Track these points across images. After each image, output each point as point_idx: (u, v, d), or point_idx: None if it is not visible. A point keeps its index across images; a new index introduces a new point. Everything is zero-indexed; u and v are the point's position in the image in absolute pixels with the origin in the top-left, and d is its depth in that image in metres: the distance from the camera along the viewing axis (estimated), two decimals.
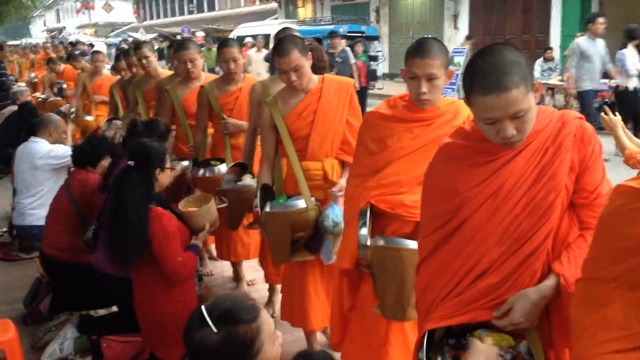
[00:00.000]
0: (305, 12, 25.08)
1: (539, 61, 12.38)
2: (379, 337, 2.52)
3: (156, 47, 22.88)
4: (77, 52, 10.78)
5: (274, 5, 27.75)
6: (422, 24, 19.83)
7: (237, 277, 4.43)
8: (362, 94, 12.01)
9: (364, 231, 2.34)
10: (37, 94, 9.52)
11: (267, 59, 14.29)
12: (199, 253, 3.20)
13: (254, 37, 16.10)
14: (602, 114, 3.19)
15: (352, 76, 10.91)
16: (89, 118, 6.49)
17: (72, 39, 29.91)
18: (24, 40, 35.91)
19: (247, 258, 4.24)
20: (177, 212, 3.26)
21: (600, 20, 7.96)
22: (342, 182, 2.89)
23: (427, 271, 1.87)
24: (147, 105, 4.83)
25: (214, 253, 4.71)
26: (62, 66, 9.05)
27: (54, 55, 11.66)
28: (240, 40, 14.39)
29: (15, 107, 7.41)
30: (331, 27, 16.51)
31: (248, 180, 3.49)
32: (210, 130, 4.12)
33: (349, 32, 15.29)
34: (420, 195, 2.21)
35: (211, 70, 14.95)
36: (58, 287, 3.83)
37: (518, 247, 1.68)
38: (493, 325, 1.70)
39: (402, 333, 2.51)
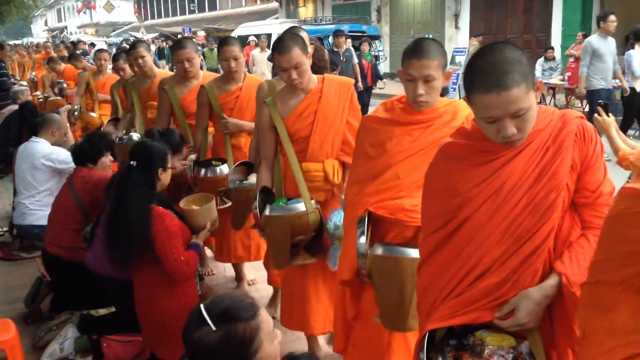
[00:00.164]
0: (306, 11, 25.08)
1: (540, 61, 12.37)
2: (382, 345, 2.49)
3: (155, 47, 22.92)
4: (78, 52, 10.78)
5: (275, 4, 27.76)
6: (423, 23, 19.82)
7: (238, 276, 4.41)
8: (368, 94, 11.98)
9: (362, 240, 2.29)
10: (38, 94, 9.52)
11: (270, 58, 14.23)
12: (199, 252, 3.20)
13: (257, 36, 16.00)
14: (595, 114, 3.19)
15: (354, 76, 10.85)
16: (94, 115, 6.49)
17: (73, 38, 29.94)
18: (25, 40, 35.95)
19: (248, 260, 4.19)
20: (178, 212, 3.27)
21: (612, 18, 7.82)
22: None
23: (428, 271, 1.86)
24: (143, 105, 4.77)
25: None
26: (63, 66, 9.04)
27: (54, 54, 11.66)
28: (242, 40, 14.36)
29: (15, 107, 7.41)
30: (332, 26, 16.53)
31: (253, 179, 3.43)
32: (211, 130, 4.08)
33: (350, 31, 15.29)
34: (420, 199, 2.21)
35: (214, 70, 14.90)
36: (59, 286, 3.82)
37: (519, 246, 1.67)
38: (494, 325, 1.69)
39: (405, 342, 2.48)
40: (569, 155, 1.67)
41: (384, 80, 15.99)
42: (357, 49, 12.28)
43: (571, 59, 12.22)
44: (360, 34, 15.43)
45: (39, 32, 56.98)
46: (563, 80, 11.98)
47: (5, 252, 5.13)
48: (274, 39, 15.53)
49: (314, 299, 3.10)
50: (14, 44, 21.60)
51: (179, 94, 4.16)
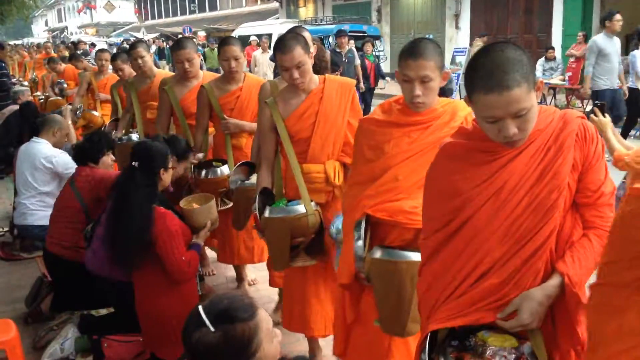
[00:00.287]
0: (306, 11, 25.08)
1: (541, 61, 12.37)
2: (382, 349, 2.47)
3: (155, 47, 22.91)
4: (79, 52, 10.79)
5: (276, 5, 27.75)
6: (423, 23, 19.81)
7: (239, 277, 4.41)
8: (370, 95, 11.93)
9: (360, 243, 2.26)
10: (38, 94, 9.51)
11: (272, 58, 14.13)
12: (200, 252, 3.21)
13: (259, 36, 15.91)
14: (592, 115, 3.19)
15: (356, 77, 10.77)
16: (96, 113, 6.48)
17: (73, 38, 29.95)
18: (25, 40, 35.96)
19: (251, 262, 4.15)
20: (178, 212, 3.27)
21: (617, 17, 7.79)
22: None
23: (429, 272, 1.85)
24: (142, 105, 4.75)
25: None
26: (63, 66, 9.04)
27: (54, 54, 11.66)
28: (243, 40, 14.34)
29: (16, 107, 7.41)
30: (332, 27, 16.52)
31: (256, 179, 3.35)
32: (211, 130, 4.06)
33: (350, 31, 15.27)
34: (419, 200, 2.18)
35: (215, 70, 14.87)
36: (60, 286, 3.82)
37: (520, 246, 1.67)
38: (496, 326, 1.69)
39: (405, 346, 2.46)
40: (571, 155, 1.67)
41: (387, 79, 15.97)
42: (359, 49, 12.20)
43: (572, 59, 12.22)
44: (361, 34, 15.42)
45: (39, 32, 56.99)
46: (564, 80, 11.98)
47: (5, 252, 5.13)
48: (274, 39, 15.52)
49: (314, 301, 3.08)
50: (14, 44, 21.62)
51: (179, 94, 4.13)
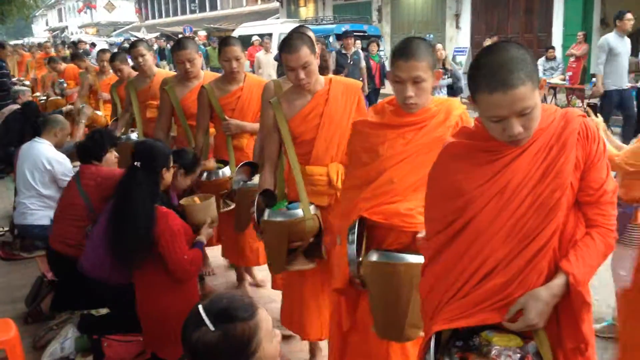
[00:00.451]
0: (307, 11, 25.07)
1: (541, 60, 12.36)
2: (380, 354, 2.43)
3: (157, 46, 22.90)
4: (80, 52, 10.80)
5: (276, 4, 27.74)
6: (424, 23, 19.81)
7: (239, 277, 4.39)
8: (376, 95, 11.88)
9: (353, 246, 2.22)
10: (38, 94, 9.51)
11: (277, 58, 13.99)
12: (203, 250, 3.20)
13: (262, 36, 15.78)
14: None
15: (361, 79, 10.68)
16: (100, 113, 6.47)
17: (74, 38, 29.94)
18: (26, 40, 35.95)
19: (257, 264, 4.10)
20: (178, 210, 3.27)
21: (628, 16, 7.72)
22: None
23: (432, 272, 1.85)
24: (142, 104, 4.74)
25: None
26: (64, 65, 9.04)
27: (54, 54, 11.66)
28: (243, 40, 14.29)
29: (16, 106, 7.41)
30: (333, 26, 16.51)
31: (258, 180, 3.31)
32: (212, 131, 4.03)
33: (344, 32, 15.25)
34: (415, 202, 2.16)
35: (217, 70, 14.78)
36: (63, 284, 3.82)
37: (524, 246, 1.67)
38: (499, 325, 1.69)
39: (404, 351, 2.42)
40: (573, 153, 1.67)
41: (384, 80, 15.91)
42: (363, 49, 12.06)
43: (572, 59, 12.23)
44: (361, 34, 15.40)
45: (39, 32, 56.97)
46: (564, 80, 11.99)
47: (5, 252, 5.13)
48: (275, 38, 15.48)
49: (312, 305, 3.05)
50: (14, 44, 21.59)
51: (180, 94, 4.09)
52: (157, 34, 30.09)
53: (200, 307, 1.54)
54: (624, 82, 8.04)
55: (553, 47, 12.87)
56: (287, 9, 26.47)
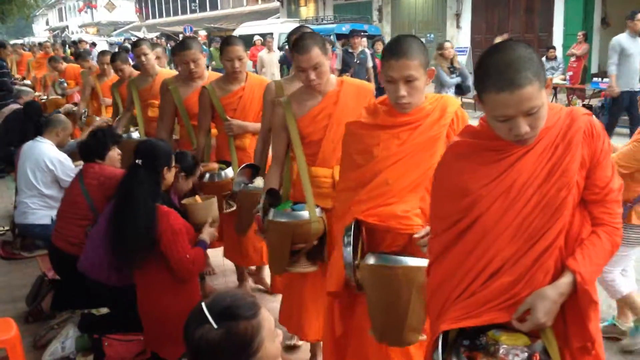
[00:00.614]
0: (307, 11, 25.07)
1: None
2: (380, 357, 2.39)
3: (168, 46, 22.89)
4: (81, 51, 10.78)
5: (276, 4, 27.74)
6: (424, 23, 19.81)
7: (240, 276, 4.39)
8: (381, 94, 11.76)
9: (349, 249, 2.17)
10: (38, 93, 9.50)
11: (281, 60, 13.82)
12: (206, 249, 3.19)
13: (264, 35, 15.66)
14: None
15: (368, 79, 10.58)
16: (98, 119, 6.44)
17: (74, 38, 29.95)
18: (26, 39, 35.96)
19: (260, 263, 4.07)
20: (180, 209, 3.27)
21: (639, 16, 7.63)
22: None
23: (438, 271, 1.84)
24: (143, 104, 4.74)
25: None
26: (64, 65, 9.04)
27: (53, 54, 11.65)
28: (244, 39, 14.24)
29: (16, 106, 7.40)
30: (333, 26, 16.51)
31: (259, 182, 3.31)
32: (214, 132, 4.01)
33: (350, 31, 15.25)
34: (412, 204, 2.15)
35: (220, 71, 14.68)
36: (62, 283, 3.82)
37: (531, 245, 1.67)
38: (507, 324, 1.68)
39: (404, 352, 2.37)
40: (579, 152, 1.67)
41: None
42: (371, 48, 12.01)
43: (572, 59, 12.23)
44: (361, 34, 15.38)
45: (40, 32, 57.00)
46: (564, 79, 11.98)
47: (6, 251, 5.13)
48: (275, 38, 15.46)
49: (311, 306, 3.03)
50: (14, 43, 21.59)
51: (184, 94, 4.06)
52: (158, 33, 30.07)
53: (203, 304, 1.54)
54: (635, 83, 7.91)
55: (554, 47, 12.87)
56: (288, 9, 26.46)
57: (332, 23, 17.32)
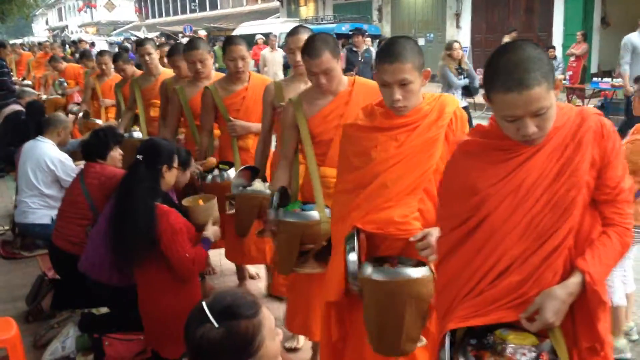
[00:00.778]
0: (307, 10, 25.07)
1: None
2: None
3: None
4: (81, 51, 10.81)
5: (276, 4, 27.74)
6: (424, 22, 19.81)
7: (240, 276, 4.38)
8: None
9: (353, 257, 2.13)
10: (37, 93, 9.50)
11: (286, 62, 13.85)
12: (209, 247, 3.17)
13: (266, 35, 15.62)
14: None
15: (373, 78, 10.52)
16: (99, 122, 6.44)
17: (74, 37, 29.94)
18: (26, 39, 35.94)
19: (264, 262, 4.00)
20: (181, 209, 3.26)
21: None
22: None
23: (446, 270, 1.84)
24: (145, 103, 4.74)
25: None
26: (64, 64, 9.04)
27: (52, 53, 11.67)
28: (245, 39, 14.17)
29: (17, 107, 7.40)
30: (333, 25, 16.52)
31: (258, 185, 3.25)
32: (217, 132, 3.99)
33: (350, 30, 15.26)
34: (410, 208, 2.13)
35: (223, 71, 14.58)
36: (63, 282, 3.82)
37: (539, 244, 1.66)
38: (514, 323, 1.68)
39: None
40: (589, 151, 1.66)
41: None
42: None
43: (572, 58, 12.24)
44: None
45: (39, 31, 56.98)
46: (564, 79, 11.99)
47: (6, 251, 5.12)
48: (273, 37, 15.44)
49: (317, 306, 2.95)
50: (13, 43, 21.58)
51: (189, 94, 4.03)
52: (157, 33, 30.06)
53: (204, 304, 1.54)
54: None
55: (553, 47, 12.88)
56: (288, 9, 26.46)
57: (332, 23, 17.34)
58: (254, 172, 3.35)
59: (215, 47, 18.33)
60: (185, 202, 3.40)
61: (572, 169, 1.65)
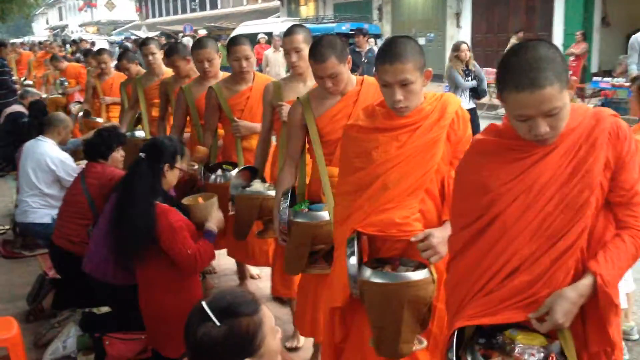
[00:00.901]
0: (307, 10, 25.06)
1: None
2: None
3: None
4: (84, 49, 10.82)
5: (277, 3, 27.74)
6: (424, 22, 19.81)
7: (241, 274, 4.38)
8: None
9: (353, 260, 2.12)
10: (40, 92, 9.51)
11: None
12: (214, 239, 3.15)
13: (268, 34, 15.56)
14: None
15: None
16: (100, 120, 6.44)
17: (74, 37, 29.93)
18: (26, 38, 35.95)
19: (267, 264, 3.94)
20: (182, 207, 3.26)
21: None
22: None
23: (457, 268, 1.84)
24: (148, 103, 4.74)
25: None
26: (65, 63, 9.04)
27: (52, 53, 11.68)
28: (248, 38, 14.12)
29: (19, 107, 7.40)
30: (333, 25, 16.50)
31: (257, 186, 3.24)
32: (221, 132, 3.97)
33: (351, 30, 15.24)
34: (411, 209, 2.12)
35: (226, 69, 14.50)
36: (64, 281, 3.82)
37: (551, 244, 1.65)
38: (523, 324, 1.67)
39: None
40: (603, 153, 1.65)
41: None
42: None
43: (572, 58, 12.23)
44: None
45: (40, 31, 56.99)
46: None
47: (7, 250, 5.12)
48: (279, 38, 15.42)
49: (325, 306, 3.01)
50: (13, 42, 21.58)
51: (196, 94, 4.00)
52: (158, 32, 30.05)
53: (204, 303, 1.55)
54: None
55: None
56: (288, 8, 26.45)
57: (332, 22, 17.30)
58: (253, 173, 3.34)
59: (220, 46, 18.30)
60: (185, 200, 3.41)
61: (585, 170, 1.64)
